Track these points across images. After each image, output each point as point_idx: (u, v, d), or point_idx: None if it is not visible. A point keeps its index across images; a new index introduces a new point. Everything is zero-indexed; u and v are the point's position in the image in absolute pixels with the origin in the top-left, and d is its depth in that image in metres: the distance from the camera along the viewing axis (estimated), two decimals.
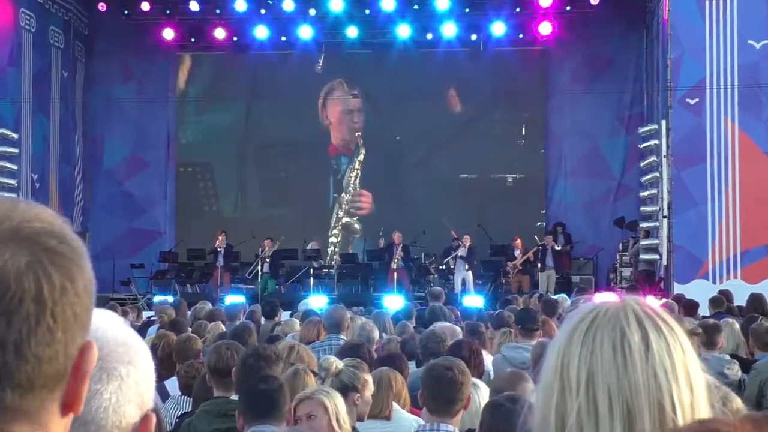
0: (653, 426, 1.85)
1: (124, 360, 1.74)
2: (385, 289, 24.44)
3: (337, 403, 5.40)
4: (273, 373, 5.81)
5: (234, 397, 5.97)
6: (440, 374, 5.55)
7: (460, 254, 25.27)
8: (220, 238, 26.05)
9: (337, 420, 5.36)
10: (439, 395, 5.50)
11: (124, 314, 13.24)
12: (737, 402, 4.14)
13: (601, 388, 1.87)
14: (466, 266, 25.10)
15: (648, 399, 1.86)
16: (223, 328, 11.05)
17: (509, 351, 8.97)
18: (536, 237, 26.12)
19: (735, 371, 8.28)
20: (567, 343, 1.94)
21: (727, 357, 8.64)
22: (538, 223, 28.22)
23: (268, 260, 25.63)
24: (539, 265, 25.23)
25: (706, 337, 8.57)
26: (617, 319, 1.92)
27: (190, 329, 10.56)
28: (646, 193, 23.80)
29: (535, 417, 1.95)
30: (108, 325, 1.76)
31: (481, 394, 6.34)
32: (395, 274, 25.17)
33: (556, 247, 25.42)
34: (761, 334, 9.08)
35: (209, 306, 14.52)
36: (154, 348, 8.49)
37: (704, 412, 1.89)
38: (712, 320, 10.27)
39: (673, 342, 1.91)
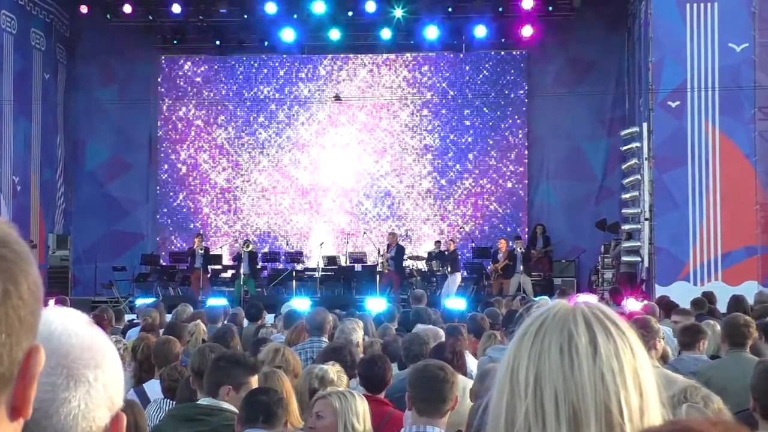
0: (599, 429, 1.83)
1: (90, 365, 1.71)
2: (370, 291, 24.42)
3: (353, 407, 5.40)
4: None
5: (203, 401, 5.95)
6: (434, 374, 5.56)
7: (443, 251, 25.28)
8: (197, 240, 26.01)
9: (345, 426, 5.36)
10: (432, 396, 5.49)
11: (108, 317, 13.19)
12: (718, 403, 4.16)
13: (547, 391, 1.86)
14: (450, 269, 25.08)
15: (594, 401, 1.84)
16: (205, 330, 11.01)
17: (495, 352, 8.98)
18: (510, 242, 26.12)
19: None
20: (518, 345, 1.93)
21: (705, 357, 8.66)
22: (509, 229, 28.24)
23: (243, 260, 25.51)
24: (519, 267, 25.21)
25: (685, 338, 8.59)
26: (566, 322, 1.91)
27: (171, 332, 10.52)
28: (627, 196, 23.86)
29: (489, 417, 1.95)
30: (71, 331, 1.73)
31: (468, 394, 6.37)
32: (382, 276, 25.13)
33: (521, 250, 25.35)
34: None
35: (190, 309, 14.47)
36: (134, 350, 8.48)
37: (654, 416, 1.88)
38: (691, 321, 10.29)
39: (622, 345, 1.89)
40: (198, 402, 6.02)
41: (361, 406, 5.45)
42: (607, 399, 1.85)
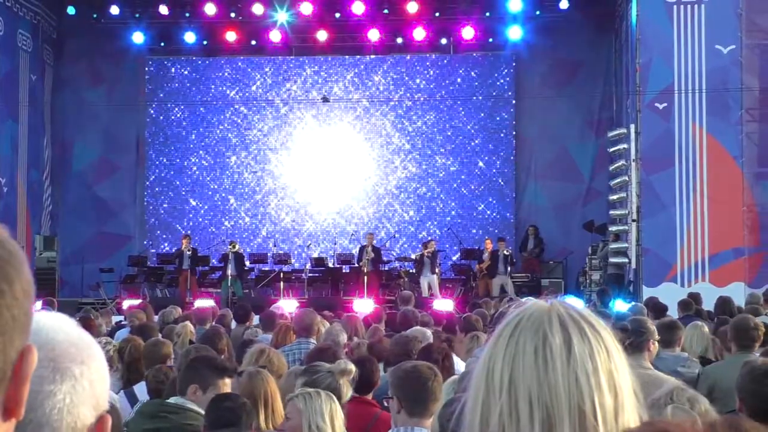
0: (573, 431, 1.83)
1: (77, 360, 1.70)
2: (356, 293, 24.42)
3: (317, 407, 5.40)
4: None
5: (171, 399, 5.98)
6: (425, 375, 5.57)
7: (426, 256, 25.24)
8: (184, 242, 25.97)
9: (310, 426, 5.36)
10: (423, 396, 5.49)
11: (94, 318, 13.16)
12: (705, 404, 4.16)
13: (521, 392, 1.86)
14: (431, 270, 25.02)
15: (568, 403, 1.84)
16: (192, 331, 10.99)
17: (481, 353, 8.97)
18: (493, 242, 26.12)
19: (691, 369, 8.31)
20: (494, 345, 1.94)
21: (685, 355, 8.67)
22: (497, 230, 28.25)
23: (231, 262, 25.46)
24: (499, 268, 25.17)
25: (663, 336, 8.59)
26: (540, 323, 1.91)
27: (160, 334, 10.50)
28: (615, 197, 23.89)
29: (465, 418, 1.94)
30: (58, 326, 1.73)
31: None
32: (366, 277, 25.11)
33: (505, 252, 25.34)
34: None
35: (178, 310, 14.44)
36: (120, 352, 8.44)
37: (630, 417, 1.88)
38: (668, 318, 10.32)
39: (597, 346, 1.89)
40: (166, 400, 6.05)
41: (328, 406, 5.43)
42: (581, 401, 1.84)
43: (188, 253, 25.58)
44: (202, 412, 5.65)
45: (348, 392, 6.12)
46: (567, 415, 1.83)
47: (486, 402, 1.89)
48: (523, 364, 1.87)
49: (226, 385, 5.94)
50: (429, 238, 26.59)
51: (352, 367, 6.24)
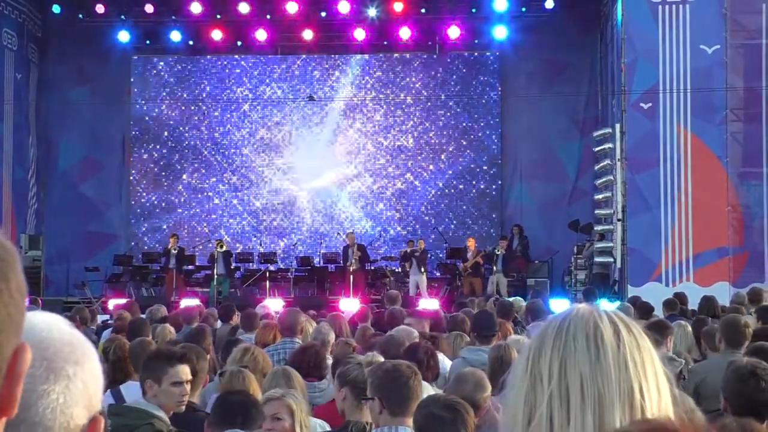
0: (623, 413, 1.93)
1: (71, 360, 1.69)
2: (341, 292, 24.43)
3: (303, 408, 5.51)
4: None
5: (131, 401, 6.00)
6: (406, 374, 5.58)
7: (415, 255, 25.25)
8: (171, 240, 25.93)
9: (301, 425, 5.44)
10: (407, 395, 5.51)
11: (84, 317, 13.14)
12: (690, 403, 4.19)
13: (572, 378, 1.94)
14: (419, 269, 25.04)
15: (618, 387, 1.94)
16: (172, 331, 10.95)
17: (468, 353, 9.00)
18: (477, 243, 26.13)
19: (676, 368, 8.35)
20: (538, 343, 2.02)
21: (671, 354, 8.71)
22: (483, 230, 28.28)
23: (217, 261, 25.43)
24: (494, 267, 25.19)
25: (654, 335, 8.62)
26: (590, 316, 2.01)
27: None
28: (600, 197, 23.95)
29: (502, 418, 2.01)
30: (52, 326, 1.72)
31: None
32: (351, 276, 25.11)
33: (502, 251, 25.32)
34: (712, 336, 9.17)
35: (164, 309, 14.42)
36: (105, 352, 8.41)
37: (667, 406, 1.98)
38: (657, 318, 10.37)
39: (641, 340, 2.01)
40: (124, 403, 6.06)
41: (306, 406, 5.56)
42: (631, 385, 1.95)
43: (174, 252, 25.55)
44: (152, 410, 5.61)
45: None
46: (618, 398, 1.93)
47: (531, 392, 1.97)
48: (575, 351, 1.96)
49: (185, 372, 5.92)
50: (419, 237, 26.59)
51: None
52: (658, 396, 1.96)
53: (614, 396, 1.92)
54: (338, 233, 28.08)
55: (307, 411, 5.59)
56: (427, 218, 28.78)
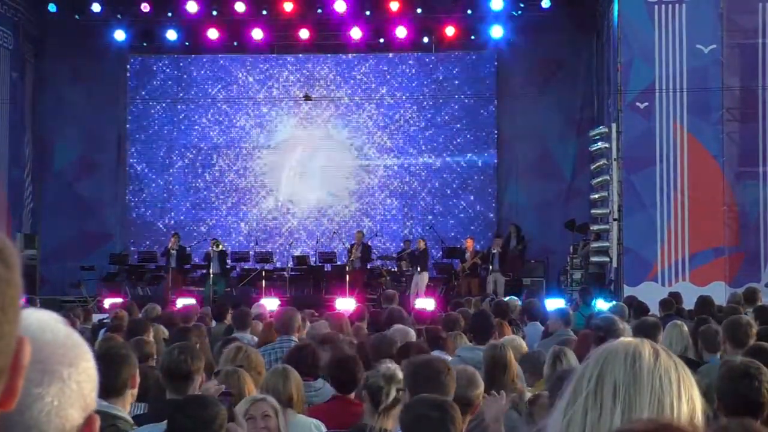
0: (652, 411, 2.08)
1: (65, 362, 1.69)
2: (338, 292, 24.42)
3: (278, 405, 5.74)
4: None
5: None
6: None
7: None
8: (172, 240, 25.93)
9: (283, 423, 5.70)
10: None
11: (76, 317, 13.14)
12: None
13: (608, 381, 2.12)
14: (420, 268, 25.03)
15: (650, 396, 2.10)
16: (165, 331, 10.94)
17: (465, 352, 9.01)
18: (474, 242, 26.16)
19: None
20: (585, 363, 2.21)
21: None
22: (479, 229, 28.29)
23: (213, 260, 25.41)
24: (490, 267, 25.17)
25: (646, 335, 8.61)
26: (634, 343, 2.20)
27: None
28: (596, 196, 23.95)
29: (551, 416, 2.20)
30: (46, 327, 1.71)
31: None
32: (348, 275, 25.10)
33: (499, 250, 25.30)
34: (710, 336, 9.16)
35: (158, 308, 14.42)
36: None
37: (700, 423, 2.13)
38: (651, 318, 10.36)
39: (682, 370, 2.16)
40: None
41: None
42: (662, 397, 2.11)
43: (174, 251, 25.53)
44: (115, 411, 5.56)
45: (388, 398, 6.01)
46: (648, 406, 2.10)
47: (572, 398, 2.15)
48: (613, 363, 2.14)
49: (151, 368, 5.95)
50: (418, 237, 26.56)
51: (399, 375, 6.16)
52: (691, 415, 2.11)
53: (645, 404, 2.08)
54: (334, 232, 28.08)
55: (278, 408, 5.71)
56: (422, 217, 28.77)
